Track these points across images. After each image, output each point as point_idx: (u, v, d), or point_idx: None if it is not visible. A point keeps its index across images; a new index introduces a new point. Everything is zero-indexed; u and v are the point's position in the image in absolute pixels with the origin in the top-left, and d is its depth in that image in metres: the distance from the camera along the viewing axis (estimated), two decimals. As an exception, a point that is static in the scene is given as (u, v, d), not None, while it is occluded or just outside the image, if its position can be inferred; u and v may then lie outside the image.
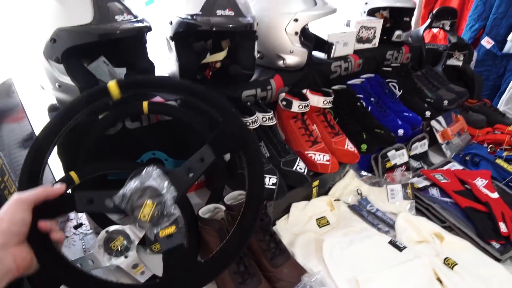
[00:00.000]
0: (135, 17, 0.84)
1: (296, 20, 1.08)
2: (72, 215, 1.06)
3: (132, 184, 0.56)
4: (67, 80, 0.85)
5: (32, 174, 0.55)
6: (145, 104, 0.86)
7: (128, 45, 0.93)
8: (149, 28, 0.86)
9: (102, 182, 0.92)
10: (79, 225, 1.02)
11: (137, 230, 0.88)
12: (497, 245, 0.99)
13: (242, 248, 0.57)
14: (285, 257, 0.82)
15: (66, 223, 1.04)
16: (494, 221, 1.04)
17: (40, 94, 0.98)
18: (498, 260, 0.96)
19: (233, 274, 0.76)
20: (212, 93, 0.61)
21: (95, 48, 0.92)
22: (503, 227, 1.03)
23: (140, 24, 0.83)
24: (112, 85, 0.57)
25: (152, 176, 0.57)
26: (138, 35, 0.89)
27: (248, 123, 0.92)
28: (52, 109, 0.95)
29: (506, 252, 0.95)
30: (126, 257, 0.86)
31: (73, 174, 0.83)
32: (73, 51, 0.81)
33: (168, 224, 0.56)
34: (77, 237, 1.01)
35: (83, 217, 1.06)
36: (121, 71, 0.95)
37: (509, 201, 1.12)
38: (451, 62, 1.83)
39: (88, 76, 0.89)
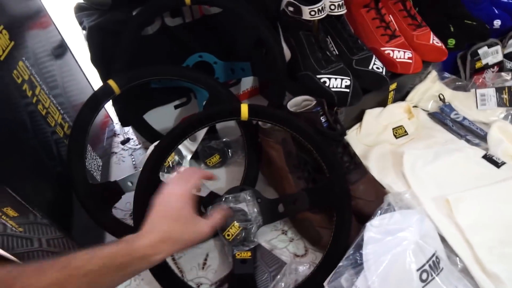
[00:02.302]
0: None
1: None
2: (117, 128, 0.99)
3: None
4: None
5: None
6: (186, -8, 0.69)
7: None
8: None
9: (145, 91, 0.81)
10: (127, 140, 0.94)
11: (190, 144, 0.79)
12: None
13: None
14: (360, 173, 0.70)
15: (112, 138, 0.98)
16: None
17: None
18: None
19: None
20: (325, 145, 0.61)
21: None
22: None
23: None
24: None
25: (246, 200, 0.63)
26: None
27: (312, 12, 0.73)
28: (79, 9, 0.81)
29: None
30: (178, 172, 0.78)
31: (112, 83, 0.71)
32: None
33: (247, 249, 0.62)
34: (126, 153, 0.94)
35: (129, 132, 0.98)
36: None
37: None
38: None
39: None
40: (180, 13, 0.78)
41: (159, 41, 0.79)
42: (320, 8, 0.73)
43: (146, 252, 0.44)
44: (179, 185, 0.53)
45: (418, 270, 0.52)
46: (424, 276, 0.52)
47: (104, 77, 0.78)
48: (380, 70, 0.78)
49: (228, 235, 0.62)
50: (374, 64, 0.78)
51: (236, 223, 0.62)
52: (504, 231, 0.66)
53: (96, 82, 0.85)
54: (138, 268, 0.44)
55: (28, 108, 0.61)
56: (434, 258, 0.54)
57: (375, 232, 0.58)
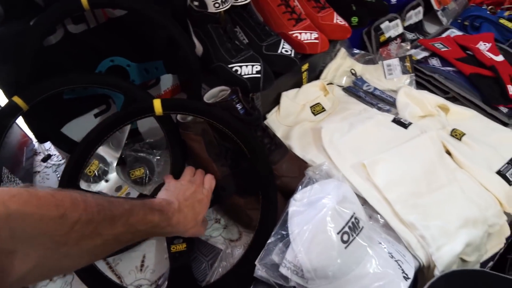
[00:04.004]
0: None
1: None
2: (37, 147, 0.94)
3: None
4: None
5: None
6: (82, -5, 0.67)
7: None
8: None
9: (57, 103, 0.78)
10: (48, 156, 0.90)
11: (113, 151, 0.77)
12: (505, 110, 0.93)
13: None
14: (282, 152, 0.73)
15: (33, 157, 0.93)
16: (502, 84, 0.96)
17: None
18: (506, 124, 0.91)
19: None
20: (243, 128, 0.64)
21: None
22: (511, 90, 0.95)
23: None
24: None
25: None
26: None
27: (217, 4, 0.75)
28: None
29: (514, 116, 0.89)
30: (106, 181, 0.76)
31: (17, 99, 0.68)
32: None
33: (181, 241, 0.63)
34: (50, 170, 0.90)
35: (51, 148, 0.94)
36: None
37: (515, 63, 1.03)
38: None
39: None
40: (83, 19, 0.76)
41: (64, 49, 0.76)
42: (222, 0, 0.75)
43: (178, 229, 0.55)
44: (202, 189, 0.62)
45: (338, 233, 0.55)
46: (345, 237, 0.56)
47: (8, 94, 0.74)
48: (289, 53, 0.81)
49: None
50: (283, 47, 0.82)
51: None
52: (414, 184, 0.73)
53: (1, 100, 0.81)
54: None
55: None
56: (353, 220, 0.58)
57: (298, 205, 0.62)
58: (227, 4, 0.76)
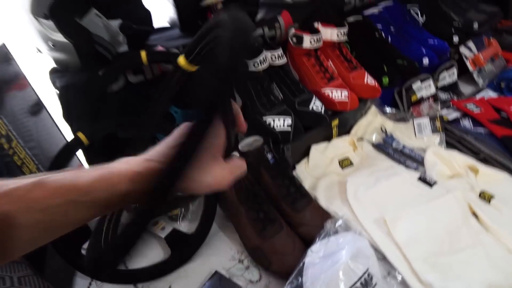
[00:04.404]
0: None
1: None
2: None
3: None
4: (59, 37, 0.80)
5: None
6: (143, 53, 0.80)
7: (120, -7, 0.86)
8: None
9: (112, 141, 0.90)
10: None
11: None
12: (537, 174, 0.92)
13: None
14: (306, 201, 0.78)
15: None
16: (535, 148, 0.96)
17: (39, 59, 0.94)
18: (538, 189, 0.89)
19: (252, 221, 0.73)
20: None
21: (85, 1, 0.85)
22: (545, 154, 0.95)
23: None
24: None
25: None
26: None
27: (256, 64, 0.85)
28: (53, 71, 0.91)
29: (548, 181, 0.87)
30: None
31: (80, 135, 0.80)
32: (61, 4, 0.76)
33: None
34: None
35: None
36: (116, 23, 0.88)
37: (550, 126, 1.03)
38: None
39: (82, 31, 0.83)
40: (142, 71, 0.89)
41: (124, 96, 0.88)
42: (261, 59, 0.85)
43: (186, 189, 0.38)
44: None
45: (350, 288, 0.58)
46: (357, 293, 0.58)
47: (74, 130, 0.87)
48: (319, 109, 0.88)
49: None
50: (314, 104, 0.89)
51: None
52: (436, 244, 0.74)
53: (69, 135, 0.93)
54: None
55: (4, 159, 0.69)
56: (366, 276, 0.60)
57: (314, 257, 0.65)
58: (265, 65, 0.86)
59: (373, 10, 1.27)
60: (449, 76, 1.26)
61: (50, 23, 0.78)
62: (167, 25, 1.06)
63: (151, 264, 0.72)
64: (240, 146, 0.82)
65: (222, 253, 0.76)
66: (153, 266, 0.72)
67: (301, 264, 0.64)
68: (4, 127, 0.73)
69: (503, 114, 1.09)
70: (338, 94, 0.93)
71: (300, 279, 0.62)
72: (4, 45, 0.88)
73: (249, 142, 0.83)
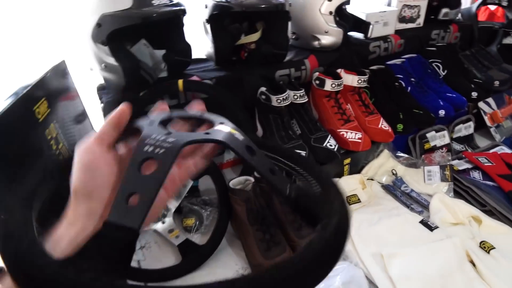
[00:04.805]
0: (171, 1, 0.90)
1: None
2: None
3: None
4: (112, 61, 0.93)
5: None
6: (180, 82, 0.91)
7: (166, 28, 0.99)
8: (183, 11, 0.91)
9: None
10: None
11: (174, 200, 0.95)
12: (542, 231, 0.94)
13: None
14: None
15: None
16: (541, 206, 0.98)
17: (89, 75, 1.08)
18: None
19: (259, 241, 0.80)
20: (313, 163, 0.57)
21: (136, 31, 0.99)
22: (551, 213, 0.97)
23: (175, 8, 0.89)
24: None
25: None
26: (175, 18, 0.95)
27: (279, 100, 0.94)
28: (100, 88, 1.04)
29: (550, 238, 0.90)
30: (163, 222, 0.93)
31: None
32: (117, 34, 0.89)
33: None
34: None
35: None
36: (160, 53, 1.01)
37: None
38: (508, 40, 1.70)
39: (131, 57, 0.96)
40: (177, 96, 1.01)
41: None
42: (284, 97, 0.95)
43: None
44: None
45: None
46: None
47: (112, 143, 0.98)
48: (333, 147, 0.96)
49: None
50: (328, 142, 0.97)
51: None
52: (428, 284, 0.78)
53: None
54: None
55: (52, 157, 0.80)
56: None
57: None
58: (287, 101, 0.95)
59: (396, 61, 1.36)
60: (465, 128, 1.31)
61: (105, 48, 0.92)
62: (204, 57, 1.18)
63: (162, 267, 0.80)
64: (231, 184, 0.89)
65: (228, 267, 0.82)
66: (164, 269, 0.79)
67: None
68: (55, 130, 0.85)
69: (514, 171, 1.12)
70: (352, 135, 1.01)
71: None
72: (64, 61, 1.02)
73: (241, 181, 0.91)
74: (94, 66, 1.00)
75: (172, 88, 0.93)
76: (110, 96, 0.99)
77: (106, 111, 0.96)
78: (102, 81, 1.04)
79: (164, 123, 0.38)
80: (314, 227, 0.33)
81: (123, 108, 0.38)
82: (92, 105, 1.13)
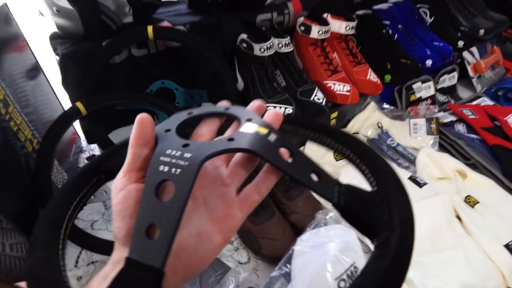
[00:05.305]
0: None
1: None
2: (84, 146, 1.05)
3: None
4: (65, 3, 0.78)
5: None
6: (149, 29, 0.79)
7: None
8: None
9: (110, 113, 0.89)
10: (92, 156, 1.01)
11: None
12: (523, 184, 0.94)
13: None
14: (300, 190, 0.79)
15: (79, 154, 1.04)
16: (524, 160, 0.98)
17: (40, 22, 0.92)
18: (523, 199, 0.92)
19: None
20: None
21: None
22: (533, 166, 0.97)
23: None
24: None
25: None
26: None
27: (262, 49, 0.84)
28: (54, 37, 0.89)
29: (533, 192, 0.91)
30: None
31: (79, 104, 0.79)
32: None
33: None
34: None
35: (95, 149, 1.05)
36: (123, -7, 0.87)
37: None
38: (492, -14, 1.64)
39: (88, -2, 0.81)
40: (146, 45, 0.88)
41: (125, 69, 0.87)
42: (268, 46, 0.85)
43: None
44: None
45: (336, 279, 0.60)
46: (342, 284, 0.60)
47: (73, 99, 0.86)
48: (320, 100, 0.89)
49: None
50: (315, 95, 0.89)
51: None
52: (418, 242, 0.76)
53: (66, 102, 0.93)
54: None
55: (1, 124, 0.68)
56: (352, 268, 0.62)
57: (304, 246, 0.67)
58: (271, 50, 0.86)
59: (383, 6, 1.26)
60: (449, 79, 1.28)
61: (56, -13, 0.76)
62: (175, -1, 1.04)
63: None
64: None
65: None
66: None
67: (290, 251, 0.66)
68: (2, 91, 0.72)
69: (496, 123, 1.11)
70: (340, 88, 0.94)
71: (288, 266, 0.64)
72: (5, 4, 0.85)
73: None
74: (44, 10, 0.84)
75: (141, 36, 0.80)
76: (66, 46, 0.84)
77: (64, 65, 0.83)
78: (55, 29, 0.89)
79: (183, 127, 0.33)
80: (371, 240, 0.27)
81: (141, 119, 0.31)
82: (47, 57, 0.98)
